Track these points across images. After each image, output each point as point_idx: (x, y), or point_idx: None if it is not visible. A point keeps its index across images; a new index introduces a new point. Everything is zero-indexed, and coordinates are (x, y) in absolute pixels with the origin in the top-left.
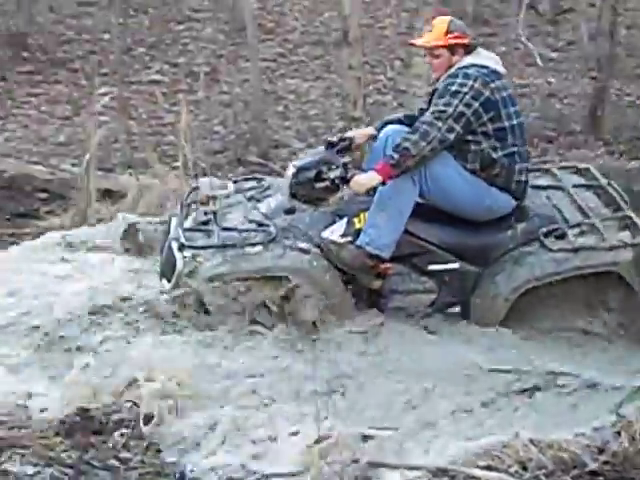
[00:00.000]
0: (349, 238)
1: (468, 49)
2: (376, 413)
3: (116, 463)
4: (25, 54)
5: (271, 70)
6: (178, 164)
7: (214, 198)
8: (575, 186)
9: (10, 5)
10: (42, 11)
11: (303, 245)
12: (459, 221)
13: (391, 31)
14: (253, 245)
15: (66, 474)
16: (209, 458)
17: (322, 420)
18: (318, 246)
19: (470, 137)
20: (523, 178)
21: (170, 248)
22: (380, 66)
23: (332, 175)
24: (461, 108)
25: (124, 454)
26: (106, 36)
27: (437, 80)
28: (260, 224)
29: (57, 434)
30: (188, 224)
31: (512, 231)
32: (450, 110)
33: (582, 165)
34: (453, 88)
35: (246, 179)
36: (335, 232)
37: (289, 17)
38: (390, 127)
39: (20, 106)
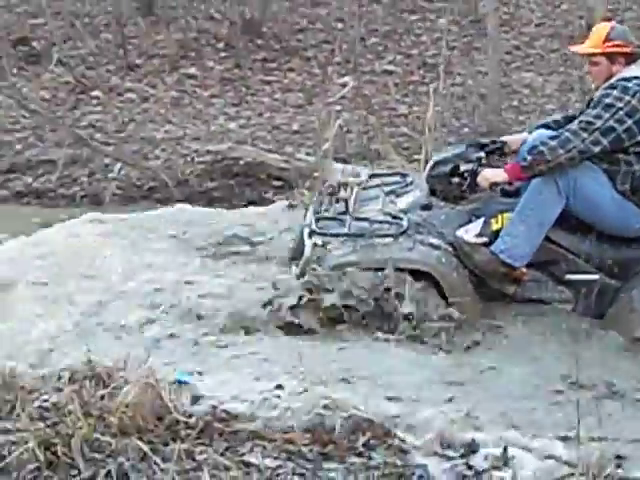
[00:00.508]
0: (484, 239)
1: (631, 58)
2: None
3: (357, 460)
4: (259, 42)
5: (506, 63)
6: (417, 157)
7: (346, 185)
8: None
9: None
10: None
11: (434, 241)
12: (602, 232)
13: (630, 24)
14: (383, 237)
15: (307, 469)
16: None
17: None
18: (451, 244)
19: (622, 156)
20: None
21: (302, 234)
22: None
23: (463, 168)
24: (612, 123)
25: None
26: (340, 25)
27: (596, 89)
28: (394, 217)
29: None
30: (321, 211)
31: None
32: (599, 123)
33: None
34: (607, 100)
35: (390, 174)
36: (470, 231)
37: (525, 9)
38: (538, 132)
39: (254, 93)
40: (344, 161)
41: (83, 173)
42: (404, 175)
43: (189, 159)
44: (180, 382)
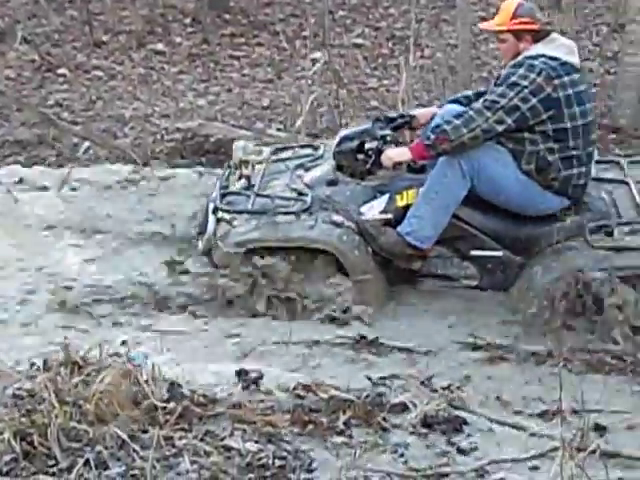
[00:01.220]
0: (389, 215)
1: (538, 36)
2: None
3: (338, 440)
4: (227, 17)
5: (474, 35)
6: None
7: (246, 162)
8: None
9: None
10: None
11: (336, 218)
12: (507, 210)
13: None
14: (285, 214)
15: (288, 452)
16: None
17: None
18: (356, 222)
19: (527, 135)
20: (582, 182)
21: (207, 210)
22: (586, 31)
23: (367, 146)
24: (516, 102)
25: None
26: None
27: (505, 67)
28: (299, 193)
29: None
30: (227, 187)
31: (560, 224)
32: (503, 102)
33: None
34: (512, 79)
35: (303, 146)
36: (375, 208)
37: None
38: (447, 108)
39: (223, 69)
40: (316, 136)
41: (51, 153)
42: (316, 148)
43: (158, 137)
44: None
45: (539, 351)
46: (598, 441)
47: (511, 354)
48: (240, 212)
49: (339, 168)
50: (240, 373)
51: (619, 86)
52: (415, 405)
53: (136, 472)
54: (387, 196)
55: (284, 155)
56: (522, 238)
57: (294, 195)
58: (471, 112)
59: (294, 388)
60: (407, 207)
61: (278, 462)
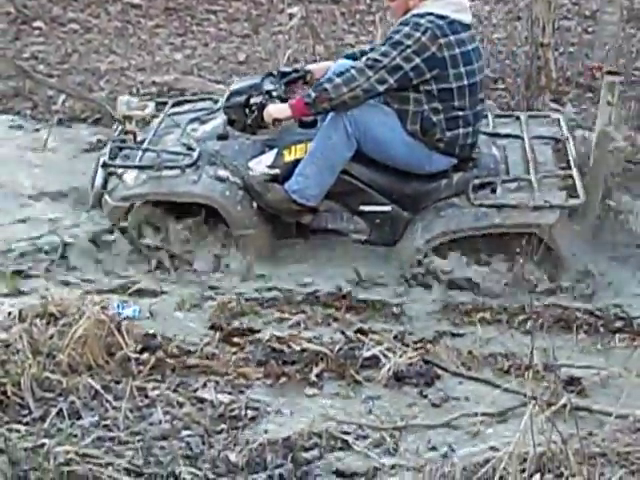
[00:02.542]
0: (276, 170)
1: None
2: None
3: (310, 392)
4: None
5: None
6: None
7: (129, 118)
8: (535, 137)
9: None
10: None
11: (221, 173)
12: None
13: None
14: (171, 168)
15: (259, 401)
16: None
17: None
18: (242, 177)
19: (412, 95)
20: (469, 141)
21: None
22: None
23: (252, 101)
24: (398, 61)
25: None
26: None
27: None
28: (188, 148)
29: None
30: (118, 142)
31: (447, 180)
32: (386, 61)
33: (555, 115)
34: (396, 37)
35: (204, 99)
36: (262, 162)
37: None
38: (340, 62)
39: (199, 23)
40: None
41: (26, 106)
42: (216, 101)
43: (134, 90)
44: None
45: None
46: (569, 395)
47: None
48: (126, 167)
49: (230, 122)
50: (214, 326)
51: (596, 45)
52: (388, 358)
53: (108, 422)
54: (275, 151)
55: (183, 108)
56: (410, 194)
57: (183, 150)
58: (353, 71)
59: (267, 340)
60: (296, 162)
61: (250, 413)
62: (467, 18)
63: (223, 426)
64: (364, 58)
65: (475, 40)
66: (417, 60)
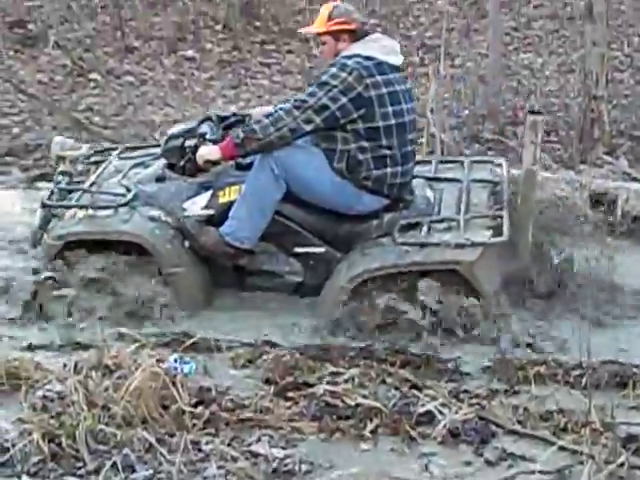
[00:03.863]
0: (210, 211)
1: (355, 36)
2: None
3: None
4: (258, 24)
5: (505, 44)
6: (420, 140)
7: (63, 159)
8: (474, 180)
9: None
10: None
11: (153, 213)
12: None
13: (628, 5)
14: (104, 208)
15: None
16: None
17: None
18: (178, 219)
19: (339, 134)
20: (398, 181)
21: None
22: (617, 42)
23: (187, 144)
24: (325, 101)
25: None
26: None
27: None
28: (127, 189)
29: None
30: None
31: (378, 220)
32: (312, 101)
33: (497, 160)
34: (323, 78)
35: (155, 145)
36: (197, 203)
37: None
38: (279, 106)
39: (253, 76)
40: None
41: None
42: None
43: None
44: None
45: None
46: (627, 454)
47: None
48: (63, 206)
49: (168, 166)
50: (268, 380)
51: None
52: (443, 414)
53: (162, 476)
54: (210, 192)
55: (135, 154)
56: (342, 235)
57: (119, 190)
58: (281, 112)
59: (321, 395)
60: (230, 203)
61: (304, 468)
62: (397, 60)
63: None
64: (292, 99)
65: (406, 82)
66: (344, 100)
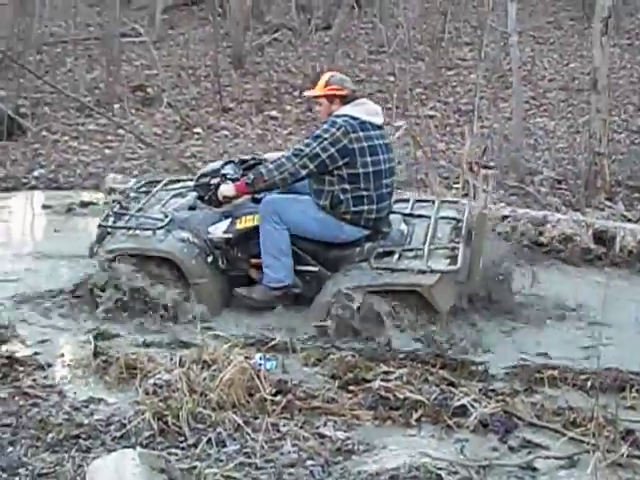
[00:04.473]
0: (229, 235)
1: (346, 100)
2: None
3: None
4: None
5: (525, 110)
6: (456, 185)
7: (114, 190)
8: (442, 218)
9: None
10: (341, 57)
11: (183, 235)
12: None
13: (625, 80)
14: (146, 230)
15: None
16: None
17: None
18: (205, 241)
19: (327, 177)
20: (373, 216)
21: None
22: (616, 109)
23: (212, 181)
24: (317, 150)
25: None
26: (391, 78)
27: None
28: (165, 215)
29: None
30: (115, 209)
31: (359, 248)
32: (307, 150)
33: (462, 201)
34: (317, 132)
35: (191, 179)
36: (219, 228)
37: (540, 67)
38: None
39: None
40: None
41: None
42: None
43: None
44: (260, 365)
45: None
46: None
47: None
48: (114, 227)
49: (199, 197)
50: (333, 376)
51: None
52: (474, 408)
53: (248, 450)
54: (229, 220)
55: (175, 186)
56: (331, 258)
57: (159, 216)
58: (283, 158)
59: (377, 389)
60: (245, 229)
61: (362, 447)
62: (378, 120)
63: (340, 458)
64: (292, 148)
65: (385, 137)
66: (332, 150)
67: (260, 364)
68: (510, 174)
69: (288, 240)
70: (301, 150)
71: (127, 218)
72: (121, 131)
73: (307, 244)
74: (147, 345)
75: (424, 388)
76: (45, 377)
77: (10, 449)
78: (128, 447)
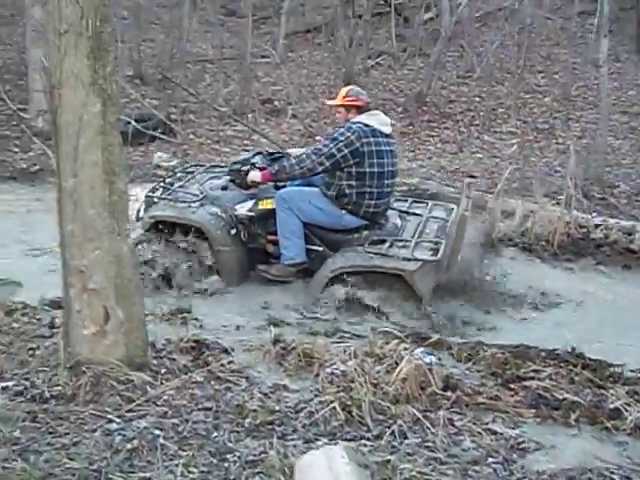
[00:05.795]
0: (252, 213)
1: (361, 110)
2: None
3: (571, 433)
4: (425, 108)
5: (591, 130)
6: (560, 196)
7: (159, 167)
8: (432, 217)
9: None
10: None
11: (214, 209)
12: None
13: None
14: (182, 202)
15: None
16: None
17: None
18: (231, 216)
19: (338, 173)
20: (371, 210)
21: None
22: None
23: (243, 168)
24: (333, 150)
25: None
26: (477, 99)
27: None
28: (201, 192)
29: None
30: (163, 183)
31: (358, 235)
32: (325, 150)
33: (451, 205)
34: (335, 135)
35: (225, 166)
36: (244, 207)
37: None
38: (303, 151)
39: (423, 144)
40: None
41: None
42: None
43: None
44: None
45: None
46: None
47: None
48: (159, 197)
49: (231, 181)
50: (494, 373)
51: None
52: (629, 412)
53: (429, 444)
54: (253, 201)
55: (214, 170)
56: (333, 241)
57: (196, 192)
58: (303, 155)
59: (535, 388)
60: (265, 210)
61: (533, 446)
62: (387, 130)
63: (514, 456)
64: (312, 147)
65: (390, 144)
66: (346, 151)
67: (431, 361)
68: (594, 187)
69: (300, 224)
70: (320, 150)
71: (170, 191)
72: (255, 136)
73: (314, 228)
74: (314, 334)
75: (574, 388)
76: (230, 362)
77: (215, 434)
78: (318, 435)
